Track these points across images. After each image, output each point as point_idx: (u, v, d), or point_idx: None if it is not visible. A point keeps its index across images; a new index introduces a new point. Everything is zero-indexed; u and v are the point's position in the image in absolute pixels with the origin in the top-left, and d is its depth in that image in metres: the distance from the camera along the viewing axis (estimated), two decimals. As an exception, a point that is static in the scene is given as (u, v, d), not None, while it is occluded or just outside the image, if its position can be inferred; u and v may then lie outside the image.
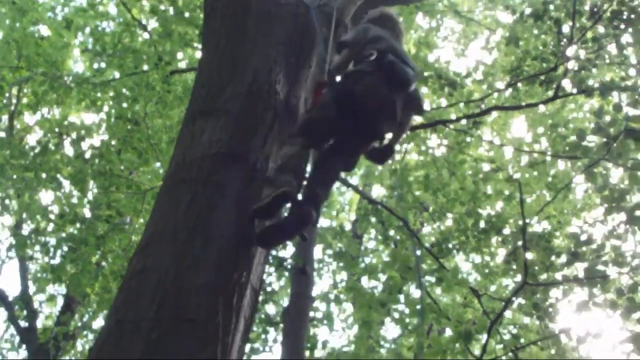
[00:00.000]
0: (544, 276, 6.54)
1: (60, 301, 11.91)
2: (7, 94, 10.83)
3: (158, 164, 8.82)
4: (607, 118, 5.94)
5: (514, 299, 6.29)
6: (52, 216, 9.11)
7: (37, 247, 9.19)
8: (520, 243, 6.19)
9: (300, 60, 3.90)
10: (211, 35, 4.10)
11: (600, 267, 6.02)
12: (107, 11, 10.53)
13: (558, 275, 6.55)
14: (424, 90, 9.39)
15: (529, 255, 6.30)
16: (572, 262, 6.18)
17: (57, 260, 8.62)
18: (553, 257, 6.37)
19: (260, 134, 3.36)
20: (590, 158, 5.86)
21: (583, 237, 6.21)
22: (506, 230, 8.10)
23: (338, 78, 3.88)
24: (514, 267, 6.55)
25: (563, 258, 6.34)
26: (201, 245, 2.84)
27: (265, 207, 3.06)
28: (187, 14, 8.96)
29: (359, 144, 3.64)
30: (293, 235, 3.42)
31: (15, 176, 8.85)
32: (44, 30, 10.89)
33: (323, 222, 12.27)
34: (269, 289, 9.25)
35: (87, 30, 10.23)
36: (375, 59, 3.58)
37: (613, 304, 6.02)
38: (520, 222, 6.43)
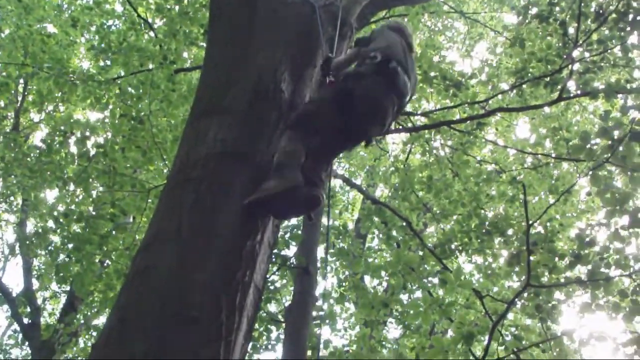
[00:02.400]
0: (546, 278, 6.53)
1: (63, 298, 11.98)
2: (12, 91, 10.88)
3: (162, 163, 8.84)
4: (611, 123, 5.91)
5: (516, 300, 6.27)
6: (56, 214, 9.12)
7: (41, 245, 9.19)
8: (524, 245, 6.17)
9: (306, 59, 3.90)
10: (217, 34, 4.11)
11: (603, 270, 6.01)
12: (113, 9, 10.58)
13: (561, 277, 6.54)
14: (429, 90, 9.40)
15: (532, 257, 6.28)
16: (575, 264, 6.17)
17: (60, 259, 8.63)
18: (556, 259, 6.36)
19: (265, 134, 3.36)
20: (594, 161, 5.84)
21: (586, 240, 6.19)
22: (509, 232, 8.11)
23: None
24: (517, 269, 6.53)
25: (566, 260, 6.33)
26: (205, 244, 2.84)
27: (268, 198, 3.01)
28: (192, 13, 8.99)
29: (343, 143, 3.66)
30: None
31: (20, 175, 8.87)
32: (50, 28, 10.95)
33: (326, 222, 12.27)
34: (271, 287, 9.24)
35: (93, 28, 10.28)
36: (378, 62, 3.59)
37: (616, 306, 6.01)
38: (524, 224, 6.42)
